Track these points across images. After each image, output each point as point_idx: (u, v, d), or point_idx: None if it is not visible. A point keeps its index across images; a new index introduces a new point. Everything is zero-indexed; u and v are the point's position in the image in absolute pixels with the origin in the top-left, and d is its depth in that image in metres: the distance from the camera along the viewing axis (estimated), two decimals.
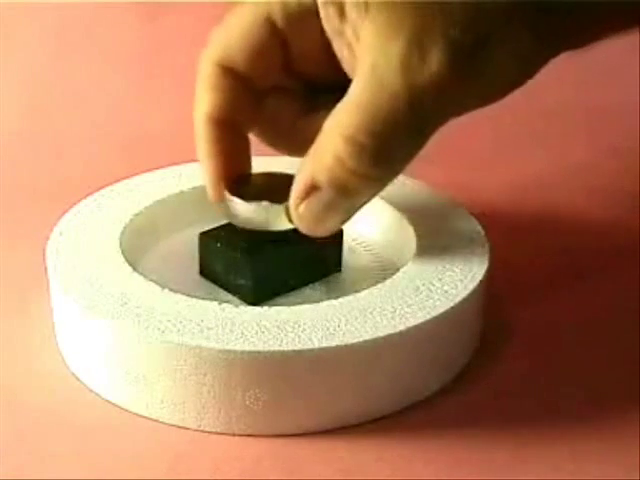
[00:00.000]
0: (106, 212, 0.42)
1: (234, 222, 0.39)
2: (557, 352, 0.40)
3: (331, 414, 0.36)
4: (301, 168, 0.35)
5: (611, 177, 0.54)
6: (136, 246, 0.41)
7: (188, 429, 0.35)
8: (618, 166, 0.55)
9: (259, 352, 0.34)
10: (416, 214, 0.42)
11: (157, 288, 0.37)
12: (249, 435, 0.35)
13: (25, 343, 0.40)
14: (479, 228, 0.41)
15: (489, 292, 0.39)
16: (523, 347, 0.40)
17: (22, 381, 0.38)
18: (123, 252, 0.39)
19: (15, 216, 0.49)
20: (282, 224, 0.38)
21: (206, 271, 0.40)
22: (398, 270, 0.39)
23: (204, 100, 0.38)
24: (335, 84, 0.37)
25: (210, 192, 0.38)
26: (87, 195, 0.43)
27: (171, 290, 0.37)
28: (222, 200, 0.38)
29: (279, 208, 0.37)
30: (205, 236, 0.40)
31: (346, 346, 0.34)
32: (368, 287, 0.37)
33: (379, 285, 0.37)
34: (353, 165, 0.34)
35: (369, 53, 0.33)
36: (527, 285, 0.44)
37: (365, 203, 0.36)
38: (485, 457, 0.35)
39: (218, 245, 0.39)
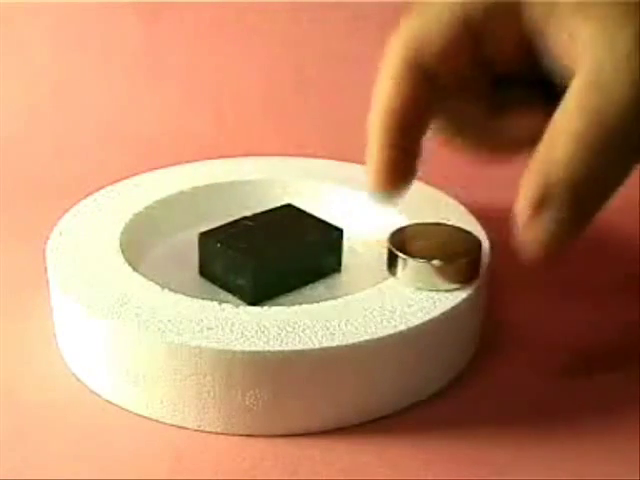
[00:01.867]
0: (106, 212, 0.42)
1: (402, 280, 0.37)
2: (557, 352, 0.40)
3: (331, 414, 0.35)
4: (525, 183, 0.34)
5: None
6: (136, 246, 0.41)
7: (188, 429, 0.35)
8: None
9: (259, 352, 0.34)
10: (416, 214, 0.42)
11: (157, 288, 0.37)
12: (249, 435, 0.35)
13: (25, 343, 0.40)
14: (479, 228, 0.41)
15: (489, 292, 0.39)
16: (523, 347, 0.40)
17: (22, 381, 0.38)
18: (123, 252, 0.39)
19: (15, 216, 0.49)
20: (451, 285, 0.37)
21: (206, 271, 0.40)
22: None
23: (387, 92, 0.36)
24: (524, 81, 0.36)
25: (374, 183, 0.37)
26: (87, 195, 0.43)
27: (171, 290, 0.37)
28: (386, 190, 0.37)
29: (450, 267, 0.37)
30: (205, 236, 0.40)
31: (346, 346, 0.34)
32: (368, 287, 0.37)
33: (379, 285, 0.37)
34: (588, 171, 0.33)
35: (590, 52, 0.32)
36: (527, 285, 0.44)
37: (595, 213, 0.34)
38: (485, 457, 0.35)
39: (218, 245, 0.39)
